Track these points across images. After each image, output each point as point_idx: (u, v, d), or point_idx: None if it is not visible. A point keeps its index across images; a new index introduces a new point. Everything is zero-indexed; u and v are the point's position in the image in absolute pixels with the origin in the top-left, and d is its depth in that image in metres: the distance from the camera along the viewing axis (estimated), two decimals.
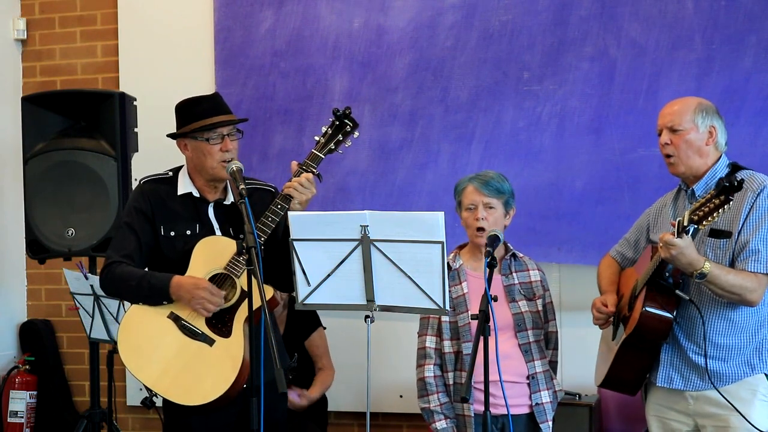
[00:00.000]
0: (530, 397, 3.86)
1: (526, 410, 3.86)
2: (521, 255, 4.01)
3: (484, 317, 3.30)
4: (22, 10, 6.06)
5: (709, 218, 3.22)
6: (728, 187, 3.17)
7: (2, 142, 5.86)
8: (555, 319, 4.01)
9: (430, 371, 3.91)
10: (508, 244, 4.00)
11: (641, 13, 4.98)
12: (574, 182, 5.06)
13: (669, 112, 3.62)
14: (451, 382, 3.90)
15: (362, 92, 5.35)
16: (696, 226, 3.26)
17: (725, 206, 3.20)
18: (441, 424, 3.87)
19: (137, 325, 3.65)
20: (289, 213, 3.48)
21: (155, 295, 3.61)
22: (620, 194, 4.96)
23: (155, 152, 5.05)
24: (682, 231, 3.30)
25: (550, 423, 3.88)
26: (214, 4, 5.61)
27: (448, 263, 3.96)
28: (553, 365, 3.98)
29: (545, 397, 3.86)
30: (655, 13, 4.96)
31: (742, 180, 3.19)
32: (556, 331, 4.01)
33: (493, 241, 3.63)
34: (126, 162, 5.03)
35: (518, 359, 3.85)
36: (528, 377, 3.86)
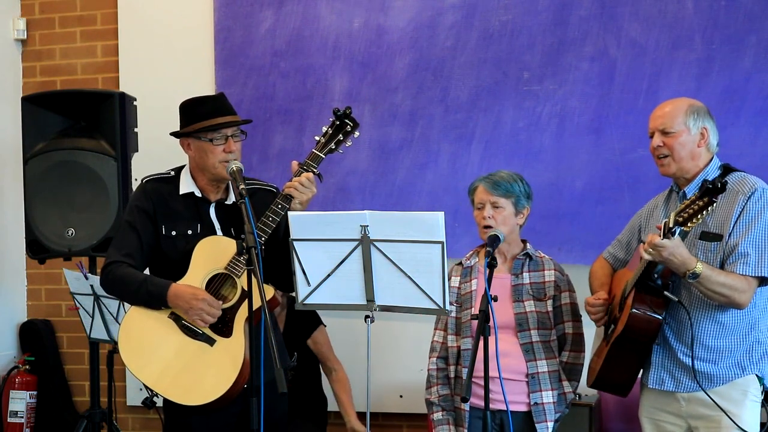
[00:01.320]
0: (529, 396, 3.86)
1: (523, 408, 3.86)
2: (541, 255, 4.01)
3: (483, 317, 3.31)
4: (22, 10, 6.06)
5: (694, 220, 3.22)
6: (711, 189, 3.18)
7: (2, 142, 5.86)
8: (575, 321, 3.96)
9: (433, 364, 4.01)
10: (527, 244, 4.00)
11: (641, 13, 4.98)
12: (574, 182, 5.06)
13: (660, 115, 3.61)
14: (452, 375, 3.95)
15: (362, 92, 5.35)
16: (681, 228, 3.27)
17: (709, 208, 3.20)
18: (438, 415, 3.96)
19: (138, 325, 3.65)
20: (289, 213, 3.48)
21: (153, 301, 3.62)
22: (620, 194, 4.96)
23: (155, 152, 5.07)
24: (668, 232, 3.31)
25: (550, 424, 3.86)
26: (214, 4, 5.61)
27: (461, 261, 3.99)
28: (570, 367, 3.94)
29: (547, 397, 3.86)
30: (655, 13, 4.96)
31: (726, 182, 3.20)
32: (575, 333, 3.95)
33: (493, 241, 3.67)
34: (126, 162, 5.03)
35: (517, 357, 3.86)
36: (527, 376, 3.86)
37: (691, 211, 3.23)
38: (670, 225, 3.29)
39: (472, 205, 3.99)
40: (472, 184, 4.00)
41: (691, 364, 3.50)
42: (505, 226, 3.86)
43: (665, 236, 3.31)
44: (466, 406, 3.87)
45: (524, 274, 3.95)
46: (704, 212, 3.20)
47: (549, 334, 3.92)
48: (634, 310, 3.52)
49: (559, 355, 3.94)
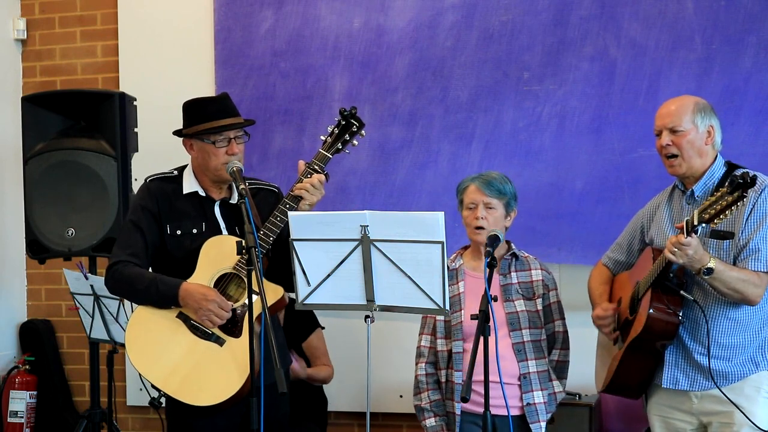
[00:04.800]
0: (521, 398, 3.85)
1: (517, 411, 3.84)
2: (525, 255, 4.01)
3: (483, 317, 3.30)
4: (22, 10, 6.06)
5: (721, 216, 3.21)
6: (743, 184, 3.16)
7: (2, 142, 5.86)
8: (562, 319, 3.98)
9: (422, 369, 3.98)
10: (512, 244, 4.00)
11: (641, 13, 4.98)
12: (574, 182, 5.06)
13: (667, 113, 3.60)
14: (443, 379, 3.93)
15: (362, 92, 5.35)
16: (706, 225, 3.26)
17: (739, 203, 3.19)
18: (430, 421, 3.93)
19: (145, 325, 3.65)
20: (289, 213, 3.48)
21: (163, 300, 3.61)
22: (620, 194, 4.96)
23: (155, 152, 5.07)
24: (691, 230, 3.30)
25: (543, 424, 3.85)
26: (214, 4, 5.61)
27: (447, 264, 3.98)
28: (560, 365, 3.95)
29: (538, 397, 3.85)
30: (655, 13, 4.96)
31: (756, 176, 3.19)
32: (564, 331, 3.97)
33: (493, 241, 3.65)
34: (126, 162, 5.03)
35: (510, 360, 3.84)
36: (519, 378, 3.85)
37: (719, 207, 3.21)
38: (695, 222, 3.28)
39: (459, 205, 3.97)
40: (462, 183, 3.98)
41: (707, 363, 3.49)
42: (496, 227, 3.84)
43: (688, 234, 3.31)
44: (457, 410, 3.86)
45: (512, 273, 3.94)
46: (734, 207, 3.20)
47: (539, 333, 3.91)
48: (653, 310, 3.51)
49: (549, 354, 3.94)
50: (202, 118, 3.68)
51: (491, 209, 3.88)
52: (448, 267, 3.95)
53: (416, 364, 4.01)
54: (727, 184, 3.24)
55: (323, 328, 5.06)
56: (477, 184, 3.91)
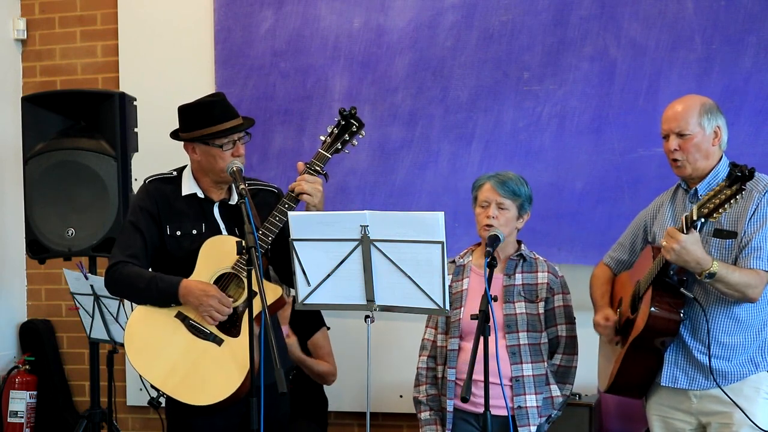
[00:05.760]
0: (512, 400, 3.83)
1: (506, 412, 3.82)
2: (536, 256, 3.97)
3: (484, 317, 3.31)
4: (22, 10, 6.06)
5: (720, 210, 3.21)
6: (740, 177, 3.16)
7: (2, 142, 5.86)
8: (568, 323, 3.92)
9: (423, 363, 4.01)
10: (522, 245, 3.98)
11: (641, 13, 4.98)
12: (574, 182, 5.06)
13: (674, 116, 3.58)
14: (440, 375, 3.94)
15: (362, 92, 5.35)
16: (705, 220, 3.26)
17: (737, 196, 3.19)
18: (425, 415, 3.96)
19: (144, 325, 3.65)
20: (289, 213, 3.48)
21: (163, 298, 3.61)
22: (620, 194, 4.96)
23: (155, 152, 5.06)
24: (690, 226, 3.30)
25: (533, 428, 3.81)
26: (214, 4, 5.62)
27: (454, 259, 3.98)
28: (564, 370, 3.91)
29: (531, 401, 3.82)
30: (655, 13, 4.96)
31: (753, 169, 3.19)
32: (569, 336, 3.91)
33: (493, 241, 3.66)
34: (126, 162, 5.03)
35: (503, 361, 3.79)
36: (511, 380, 3.84)
37: (717, 201, 3.21)
38: (694, 218, 3.28)
39: (473, 202, 3.96)
40: (479, 180, 3.95)
41: (707, 362, 3.49)
42: (506, 228, 3.83)
43: (688, 230, 3.31)
44: (449, 407, 3.86)
45: (517, 275, 3.92)
46: (731, 202, 3.20)
47: (539, 336, 3.88)
48: (654, 309, 3.51)
49: (551, 358, 3.91)
50: (206, 122, 3.66)
51: (503, 209, 3.86)
52: (455, 262, 3.98)
53: (419, 356, 4.04)
54: (725, 177, 3.25)
55: (329, 328, 5.05)
56: (492, 183, 3.89)
